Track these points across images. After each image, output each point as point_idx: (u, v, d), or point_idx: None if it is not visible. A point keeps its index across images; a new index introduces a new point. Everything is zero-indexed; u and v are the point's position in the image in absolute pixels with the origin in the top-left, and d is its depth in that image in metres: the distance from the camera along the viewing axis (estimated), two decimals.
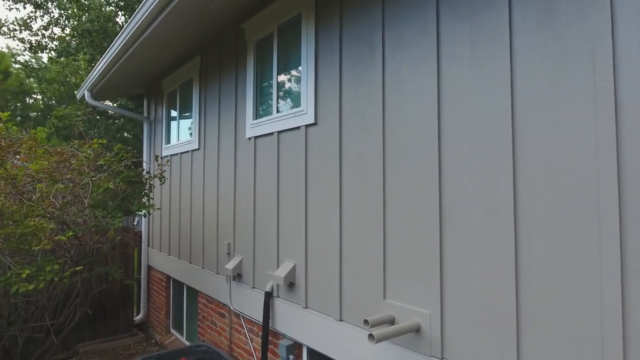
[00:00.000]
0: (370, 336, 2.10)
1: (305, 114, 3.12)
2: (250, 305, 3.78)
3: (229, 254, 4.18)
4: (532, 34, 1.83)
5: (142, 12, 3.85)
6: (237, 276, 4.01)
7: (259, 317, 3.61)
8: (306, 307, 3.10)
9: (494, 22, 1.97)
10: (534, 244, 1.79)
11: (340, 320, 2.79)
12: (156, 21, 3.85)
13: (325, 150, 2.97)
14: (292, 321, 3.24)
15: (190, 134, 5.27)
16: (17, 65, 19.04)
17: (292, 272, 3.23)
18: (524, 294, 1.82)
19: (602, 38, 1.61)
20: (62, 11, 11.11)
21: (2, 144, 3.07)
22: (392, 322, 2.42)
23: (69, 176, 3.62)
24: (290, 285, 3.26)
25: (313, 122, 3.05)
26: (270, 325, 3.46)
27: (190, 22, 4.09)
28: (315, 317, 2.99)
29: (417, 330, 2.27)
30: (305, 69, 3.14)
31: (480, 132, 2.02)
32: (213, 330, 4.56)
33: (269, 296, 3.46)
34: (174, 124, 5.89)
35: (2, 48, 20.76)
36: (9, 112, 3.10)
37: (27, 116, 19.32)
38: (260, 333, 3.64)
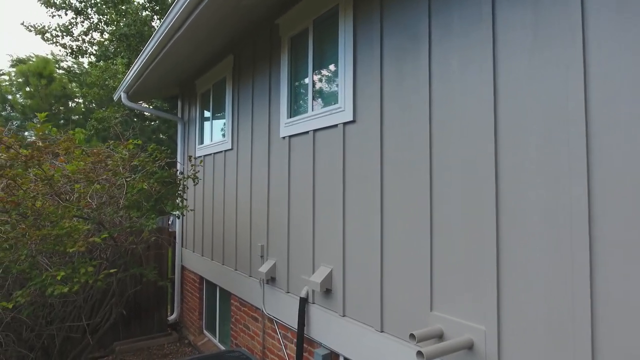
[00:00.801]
0: (419, 353, 1.90)
1: (342, 111, 2.95)
2: (285, 310, 3.64)
3: (262, 256, 4.07)
4: (609, 17, 1.59)
5: (176, 9, 3.80)
6: (271, 280, 3.89)
7: (293, 323, 3.47)
8: (344, 316, 2.93)
9: (562, 4, 1.74)
10: (615, 257, 1.55)
11: (381, 331, 2.60)
12: (190, 18, 3.78)
13: (364, 149, 2.79)
14: (328, 329, 3.07)
15: (223, 134, 5.22)
16: (61, 71, 19.88)
17: (329, 277, 3.07)
18: (600, 314, 1.58)
19: None
20: (100, 16, 11.44)
21: (40, 144, 3.08)
22: (440, 336, 2.22)
23: (104, 177, 3.61)
24: (327, 291, 3.10)
25: (351, 119, 2.88)
26: (305, 332, 3.31)
27: (224, 18, 4.01)
28: (353, 326, 2.82)
29: (469, 347, 2.06)
30: (343, 64, 2.97)
31: (545, 128, 1.78)
32: (246, 334, 4.47)
33: (304, 302, 3.31)
34: (207, 124, 5.87)
35: (47, 54, 21.73)
36: (46, 113, 3.11)
37: (70, 119, 20.15)
38: (295, 340, 3.50)
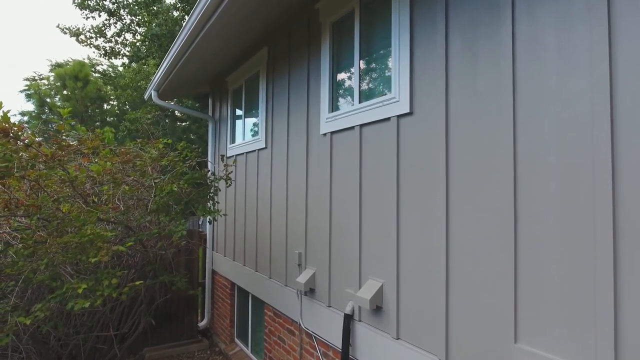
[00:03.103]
0: None
1: (397, 102, 2.55)
2: (325, 326, 3.27)
3: (299, 265, 3.71)
4: None
5: (203, 3, 3.51)
6: (310, 291, 3.53)
7: (334, 340, 3.10)
8: (397, 339, 2.53)
9: None
10: None
11: None
12: (219, 9, 3.48)
13: (424, 145, 2.38)
14: (378, 352, 2.68)
15: (257, 131, 4.91)
16: (96, 74, 20.36)
17: (379, 293, 2.67)
18: None
19: None
20: (133, 17, 11.47)
21: (63, 143, 2.83)
22: None
23: (131, 178, 3.36)
24: (377, 309, 2.70)
25: (408, 111, 2.47)
26: (350, 353, 2.93)
27: (256, 7, 3.68)
28: (410, 351, 2.41)
29: None
30: (397, 46, 2.57)
31: None
32: (281, 347, 4.13)
33: (349, 319, 2.93)
34: (239, 122, 5.59)
35: (83, 58, 22.33)
36: (69, 109, 2.87)
37: (105, 121, 20.60)
38: None
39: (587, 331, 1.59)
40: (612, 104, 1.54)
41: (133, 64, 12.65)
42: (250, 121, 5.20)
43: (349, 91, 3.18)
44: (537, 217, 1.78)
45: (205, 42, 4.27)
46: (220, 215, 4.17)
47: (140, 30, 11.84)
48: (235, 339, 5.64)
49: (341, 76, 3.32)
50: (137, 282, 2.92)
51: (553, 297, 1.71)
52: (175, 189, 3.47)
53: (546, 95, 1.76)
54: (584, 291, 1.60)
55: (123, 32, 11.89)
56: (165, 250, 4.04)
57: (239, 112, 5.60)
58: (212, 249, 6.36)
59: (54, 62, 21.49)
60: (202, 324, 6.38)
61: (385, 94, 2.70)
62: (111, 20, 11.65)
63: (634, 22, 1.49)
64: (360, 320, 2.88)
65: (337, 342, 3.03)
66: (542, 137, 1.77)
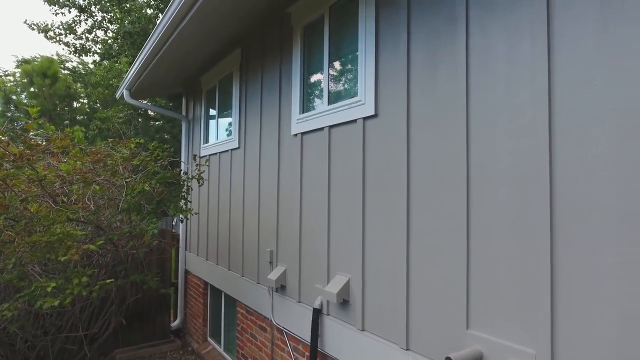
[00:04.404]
0: None
1: (363, 105, 2.68)
2: (295, 321, 3.37)
3: (271, 262, 3.79)
4: None
5: (178, 1, 3.55)
6: (281, 288, 3.62)
7: (304, 335, 3.20)
8: (363, 330, 2.65)
9: None
10: None
11: (407, 350, 2.32)
12: (193, 9, 3.53)
13: (387, 146, 2.52)
14: (345, 344, 2.80)
15: (230, 132, 4.96)
16: (65, 71, 19.75)
17: (346, 287, 2.79)
18: None
19: None
20: (104, 14, 11.24)
21: (32, 142, 2.82)
22: (479, 359, 1.94)
23: (102, 177, 3.36)
24: (344, 302, 2.82)
25: (373, 113, 2.60)
26: (318, 346, 3.04)
27: (230, 10, 3.75)
28: (374, 342, 2.54)
29: None
30: (363, 52, 2.70)
31: (621, 122, 1.50)
32: (253, 344, 4.20)
33: (317, 313, 3.04)
34: (212, 122, 5.61)
35: (52, 55, 21.64)
36: (38, 107, 2.85)
37: (74, 119, 20.00)
38: (307, 353, 3.23)
39: (528, 317, 1.74)
40: (550, 115, 1.70)
41: (104, 62, 12.39)
42: (223, 121, 5.25)
43: (319, 93, 3.29)
44: (488, 213, 1.93)
45: (179, 42, 4.29)
46: (192, 214, 4.20)
47: (112, 27, 11.61)
48: (208, 338, 5.66)
49: (312, 78, 3.43)
50: (108, 281, 2.93)
51: (500, 289, 1.86)
52: (147, 188, 3.49)
53: (496, 105, 1.91)
54: (526, 284, 1.76)
55: (94, 29, 11.64)
56: (137, 250, 4.05)
57: (212, 112, 5.63)
58: (185, 249, 6.35)
59: (20, 58, 20.69)
60: (175, 324, 6.36)
61: (353, 97, 2.82)
62: (82, 17, 11.37)
63: (570, 39, 1.65)
64: (328, 314, 2.99)
65: (307, 336, 3.13)
66: (492, 144, 1.93)
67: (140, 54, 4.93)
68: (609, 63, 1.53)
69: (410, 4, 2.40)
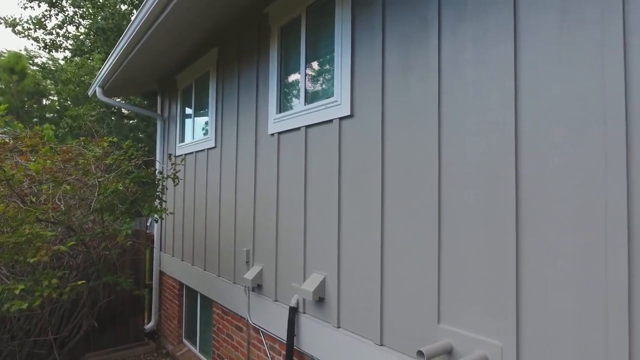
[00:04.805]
0: None
1: (339, 105, 2.72)
2: (272, 320, 3.38)
3: (247, 262, 3.79)
4: None
5: None
6: (257, 287, 3.62)
7: (281, 334, 3.21)
8: (338, 327, 2.69)
9: None
10: None
11: (381, 345, 2.37)
12: (169, 6, 3.49)
13: (363, 147, 2.56)
14: (321, 342, 2.83)
15: (206, 131, 4.92)
16: (34, 67, 19.05)
17: (322, 286, 2.83)
18: (639, 331, 1.39)
19: None
20: (76, 9, 10.93)
21: None
22: (449, 352, 2.00)
23: (73, 177, 3.28)
24: (320, 300, 2.86)
25: (349, 113, 2.65)
26: (295, 344, 3.06)
27: (207, 7, 3.72)
28: (349, 338, 2.58)
29: None
30: (340, 53, 2.74)
31: (577, 123, 1.58)
32: (229, 344, 4.18)
33: (293, 312, 3.06)
34: (188, 121, 5.55)
35: (20, 50, 20.84)
36: (6, 105, 2.77)
37: (44, 117, 19.31)
38: (283, 352, 3.25)
39: (496, 311, 1.82)
40: (516, 117, 1.78)
41: (76, 58, 12.03)
42: (200, 120, 5.20)
43: (296, 93, 3.32)
44: (459, 212, 2.00)
45: (154, 39, 4.23)
46: (167, 214, 4.15)
47: (84, 23, 11.30)
48: (184, 340, 5.60)
49: (289, 78, 3.45)
50: (80, 282, 2.87)
51: (470, 285, 1.93)
52: (121, 188, 3.43)
53: (466, 107, 1.99)
54: (494, 279, 1.83)
55: (65, 24, 11.29)
56: (110, 251, 3.97)
57: (188, 111, 5.56)
58: (160, 250, 6.25)
59: None
60: (149, 326, 6.25)
61: (329, 98, 2.86)
62: (52, 11, 11.02)
63: (534, 46, 1.73)
64: (304, 313, 3.01)
65: (283, 335, 3.15)
66: (463, 145, 1.99)
67: (114, 51, 4.83)
68: (566, 70, 1.61)
69: (385, 7, 2.46)
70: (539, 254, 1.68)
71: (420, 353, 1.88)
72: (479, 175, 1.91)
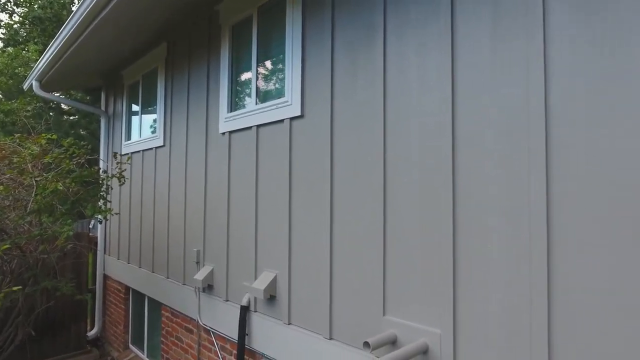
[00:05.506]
0: None
1: (289, 105, 2.77)
2: (223, 320, 3.36)
3: (198, 262, 3.74)
4: (569, 12, 1.57)
5: None
6: (208, 287, 3.58)
7: (232, 334, 3.21)
8: (289, 324, 2.74)
9: None
10: (571, 256, 1.53)
11: (330, 339, 2.45)
12: None
13: (313, 147, 2.63)
14: (272, 339, 2.86)
15: (154, 129, 4.78)
16: None
17: (273, 283, 2.86)
18: (558, 315, 1.55)
19: None
20: None
21: None
22: (394, 342, 2.11)
23: (7, 176, 3.08)
24: (271, 298, 2.89)
25: (299, 114, 2.70)
26: (246, 343, 3.07)
27: (155, 2, 3.63)
28: (300, 334, 2.64)
29: (424, 352, 1.97)
30: (290, 55, 2.79)
31: (506, 125, 1.74)
32: (178, 347, 4.10)
33: (245, 311, 3.07)
34: (135, 118, 5.36)
35: None
36: None
37: None
38: (235, 352, 3.25)
39: (435, 302, 1.95)
40: (453, 120, 1.91)
41: (9, 48, 11.16)
42: (147, 118, 5.04)
43: (248, 92, 3.32)
44: (402, 209, 2.11)
45: (98, 33, 4.05)
46: (112, 215, 3.99)
47: (18, 10, 10.51)
48: (130, 345, 5.39)
49: (240, 77, 3.44)
50: (15, 288, 2.70)
51: (412, 278, 2.05)
52: (61, 188, 3.27)
53: (410, 110, 2.10)
54: (433, 272, 1.96)
55: None
56: (48, 254, 3.76)
57: (135, 108, 5.37)
58: (105, 252, 5.98)
59: None
60: (92, 332, 5.96)
61: (280, 98, 2.90)
62: None
63: (469, 53, 1.88)
64: (255, 311, 3.03)
65: (235, 335, 3.15)
66: (407, 147, 2.11)
67: (53, 43, 4.57)
68: (496, 77, 1.76)
69: (334, 12, 2.54)
70: (473, 248, 1.82)
71: (366, 344, 1.97)
72: (420, 177, 2.03)
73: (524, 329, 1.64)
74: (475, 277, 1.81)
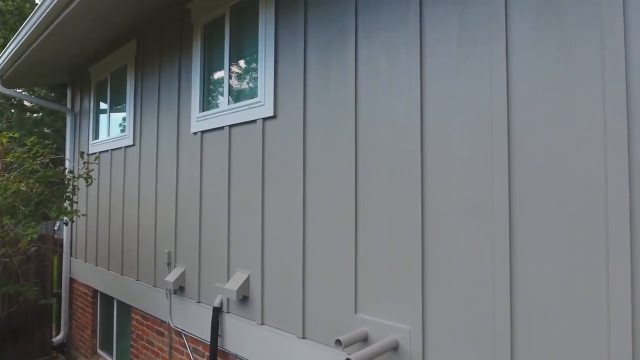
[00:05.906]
0: None
1: (262, 106, 2.77)
2: (195, 322, 3.33)
3: (169, 264, 3.68)
4: (532, 18, 1.65)
5: None
6: (179, 289, 3.53)
7: (204, 335, 3.18)
8: (262, 324, 2.74)
9: (486, 3, 1.77)
10: (531, 255, 1.61)
11: (303, 338, 2.47)
12: None
13: (286, 147, 2.64)
14: (245, 340, 2.86)
15: (124, 128, 4.66)
16: None
17: (246, 284, 2.85)
18: (519, 310, 1.63)
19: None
20: None
21: None
22: (365, 339, 2.16)
23: None
24: (244, 299, 2.88)
25: (272, 114, 2.71)
26: (219, 344, 3.05)
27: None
28: (273, 334, 2.65)
29: (395, 348, 2.02)
30: (263, 55, 2.79)
31: (471, 128, 1.80)
32: (149, 350, 4.02)
33: (217, 312, 3.05)
34: (103, 117, 5.21)
35: None
36: None
37: None
38: (207, 354, 3.21)
39: (405, 299, 2.00)
40: (422, 122, 1.97)
41: None
42: (116, 116, 4.91)
43: (220, 92, 3.30)
44: (372, 209, 2.15)
45: (64, 28, 3.92)
46: (79, 216, 3.88)
47: None
48: (98, 350, 5.24)
49: (212, 77, 3.41)
50: None
51: (382, 277, 2.10)
52: (23, 188, 3.15)
53: (380, 112, 2.14)
54: (403, 270, 2.01)
55: None
56: (10, 258, 3.61)
57: (103, 106, 5.22)
58: (71, 255, 5.79)
59: None
60: (58, 338, 5.75)
61: (253, 98, 2.89)
62: None
63: (438, 58, 1.94)
64: (228, 312, 3.02)
65: (207, 336, 3.12)
66: (377, 148, 2.15)
67: (15, 37, 4.39)
68: (462, 81, 1.83)
69: (307, 13, 2.56)
70: (441, 248, 1.88)
71: (338, 342, 2.00)
72: (390, 177, 2.08)
73: (488, 324, 1.71)
74: (442, 275, 1.87)
